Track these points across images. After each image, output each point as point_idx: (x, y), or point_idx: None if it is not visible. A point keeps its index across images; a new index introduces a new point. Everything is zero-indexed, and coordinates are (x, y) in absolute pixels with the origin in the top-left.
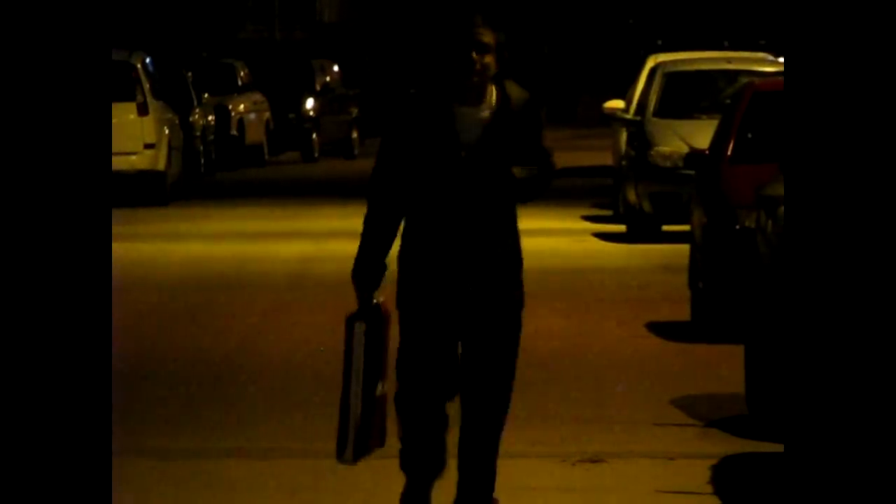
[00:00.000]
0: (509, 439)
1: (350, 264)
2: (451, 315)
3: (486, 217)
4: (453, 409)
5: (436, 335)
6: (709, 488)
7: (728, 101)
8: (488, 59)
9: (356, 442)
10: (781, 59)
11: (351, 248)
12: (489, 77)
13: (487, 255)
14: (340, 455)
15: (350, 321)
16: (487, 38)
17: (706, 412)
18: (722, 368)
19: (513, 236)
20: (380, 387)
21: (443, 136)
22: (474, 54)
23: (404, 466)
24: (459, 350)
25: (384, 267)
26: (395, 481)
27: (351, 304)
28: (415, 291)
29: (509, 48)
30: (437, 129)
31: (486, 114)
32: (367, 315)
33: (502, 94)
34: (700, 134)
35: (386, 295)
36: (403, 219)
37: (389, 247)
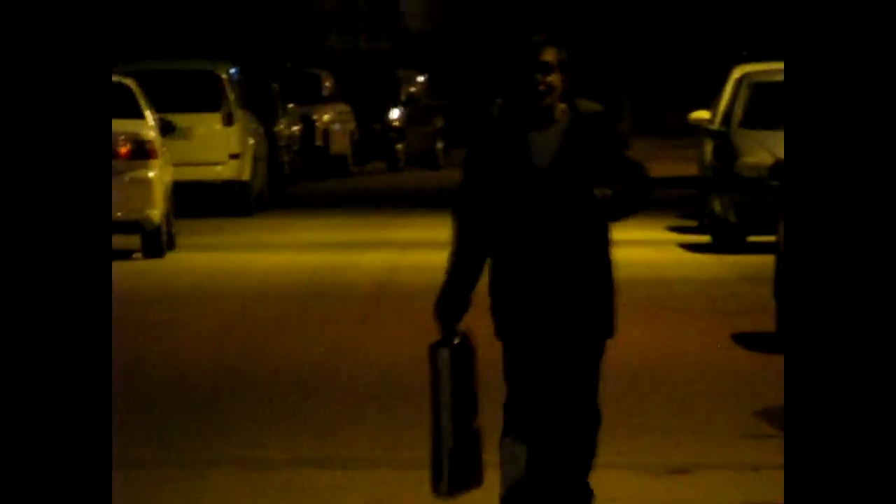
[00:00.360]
0: None
1: (435, 275)
2: (541, 335)
3: (571, 241)
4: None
5: (532, 355)
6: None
7: None
8: (552, 78)
9: (451, 474)
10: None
11: (436, 258)
12: (557, 97)
13: (577, 281)
14: (436, 488)
15: (434, 349)
16: (550, 56)
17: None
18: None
19: (603, 259)
20: (475, 420)
21: (517, 163)
22: (538, 76)
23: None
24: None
25: (468, 302)
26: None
27: (429, 322)
28: (511, 321)
29: (591, 61)
30: (511, 157)
31: (557, 135)
32: (451, 342)
33: (573, 111)
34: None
35: (467, 326)
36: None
37: (476, 280)
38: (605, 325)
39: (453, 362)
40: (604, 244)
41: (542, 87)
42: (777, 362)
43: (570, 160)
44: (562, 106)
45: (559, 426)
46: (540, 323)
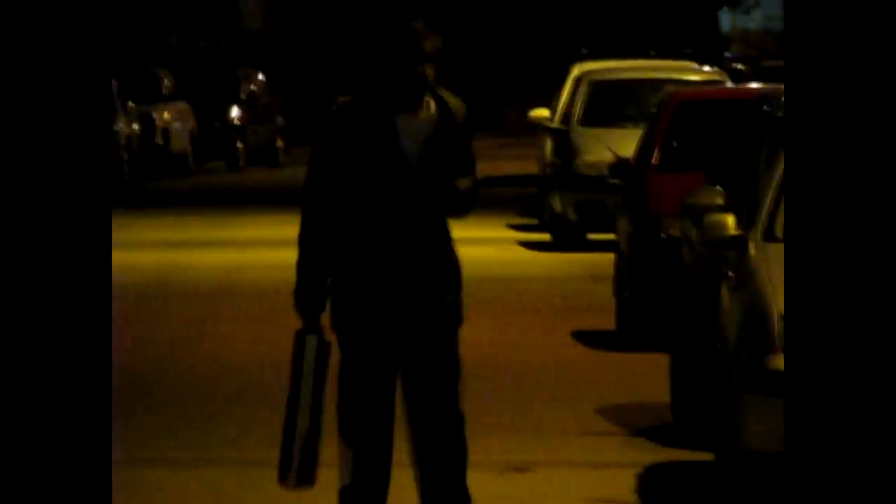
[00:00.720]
0: None
1: (275, 273)
2: (389, 336)
3: (425, 231)
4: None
5: (375, 357)
6: (635, 497)
7: (653, 109)
8: (429, 67)
9: (301, 465)
10: (706, 68)
11: (276, 256)
12: (428, 86)
13: (428, 271)
14: (283, 478)
15: (300, 335)
16: (429, 46)
17: (632, 421)
18: (647, 377)
19: (452, 250)
20: (322, 415)
21: (386, 148)
22: (417, 64)
23: (347, 499)
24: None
25: (326, 290)
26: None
27: (274, 315)
28: (351, 312)
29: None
30: (378, 141)
31: (427, 124)
32: (317, 330)
33: (440, 102)
34: (625, 143)
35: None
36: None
37: (329, 265)
38: (456, 313)
39: (318, 350)
40: (449, 233)
41: (420, 76)
42: (617, 359)
43: (438, 150)
44: (428, 96)
45: (429, 428)
46: (386, 311)
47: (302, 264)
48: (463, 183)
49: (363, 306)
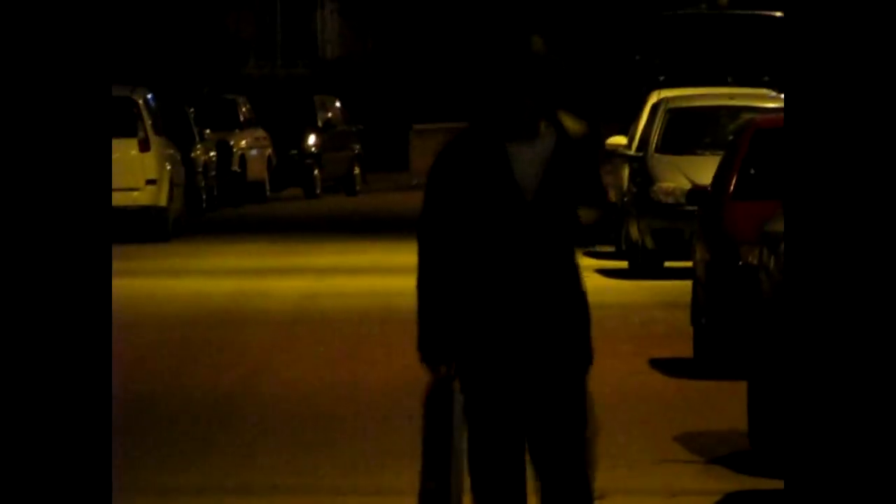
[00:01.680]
0: None
1: (350, 301)
2: (516, 383)
3: (546, 265)
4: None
5: (503, 403)
6: None
7: (731, 137)
8: (545, 90)
9: None
10: (783, 96)
11: (352, 283)
12: (543, 110)
13: (553, 307)
14: None
15: (434, 396)
16: (544, 65)
17: (709, 449)
18: (725, 405)
19: (578, 284)
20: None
21: (497, 177)
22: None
23: None
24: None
25: (452, 335)
26: None
27: (349, 341)
28: (474, 355)
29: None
30: (489, 170)
31: (543, 151)
32: (451, 384)
33: (560, 129)
34: (703, 170)
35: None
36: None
37: (451, 310)
38: (585, 352)
39: (462, 406)
40: (577, 267)
41: (532, 99)
42: (694, 387)
43: (556, 179)
44: (543, 120)
45: (555, 481)
46: (516, 357)
47: (424, 310)
48: (586, 213)
49: (487, 349)
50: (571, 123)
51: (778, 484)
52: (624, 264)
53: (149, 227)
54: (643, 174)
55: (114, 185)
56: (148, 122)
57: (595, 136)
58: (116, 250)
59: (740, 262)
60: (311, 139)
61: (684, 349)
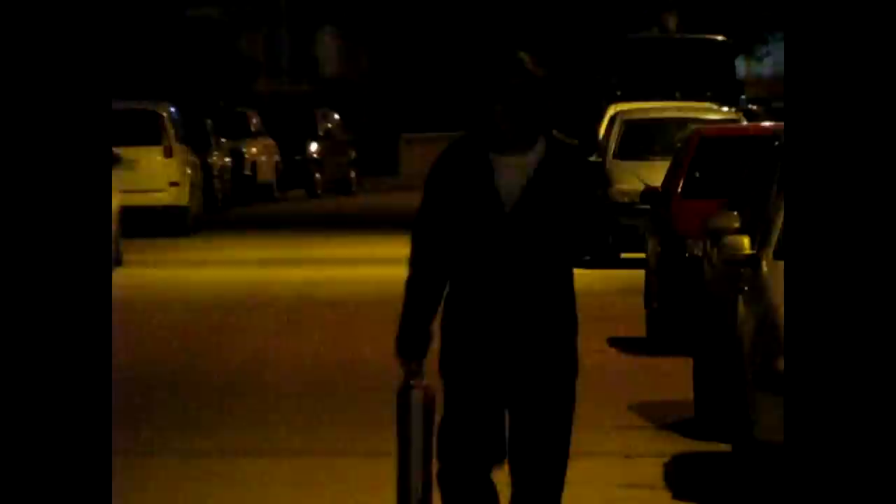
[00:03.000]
0: None
1: (348, 288)
2: (497, 383)
3: (535, 278)
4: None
5: (482, 404)
6: (662, 483)
7: (678, 144)
8: (538, 104)
9: None
10: (725, 109)
11: (350, 273)
12: (535, 124)
13: (537, 320)
14: None
15: (403, 393)
16: (534, 79)
17: (659, 416)
18: (673, 378)
19: (567, 298)
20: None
21: (479, 187)
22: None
23: None
24: (506, 418)
25: (429, 335)
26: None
27: (346, 322)
28: (459, 358)
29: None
30: (473, 180)
31: (530, 164)
32: (420, 383)
33: (551, 143)
34: (654, 173)
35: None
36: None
37: (434, 312)
38: (571, 364)
39: (425, 404)
40: (568, 280)
41: (523, 112)
42: (646, 363)
43: (542, 193)
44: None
45: (528, 471)
46: (495, 359)
47: (407, 307)
48: (578, 229)
49: (470, 353)
50: (563, 140)
51: (718, 446)
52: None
53: (172, 224)
54: (602, 177)
55: (141, 187)
56: (171, 133)
57: (582, 153)
58: (143, 243)
59: (687, 254)
60: (313, 146)
61: (638, 329)
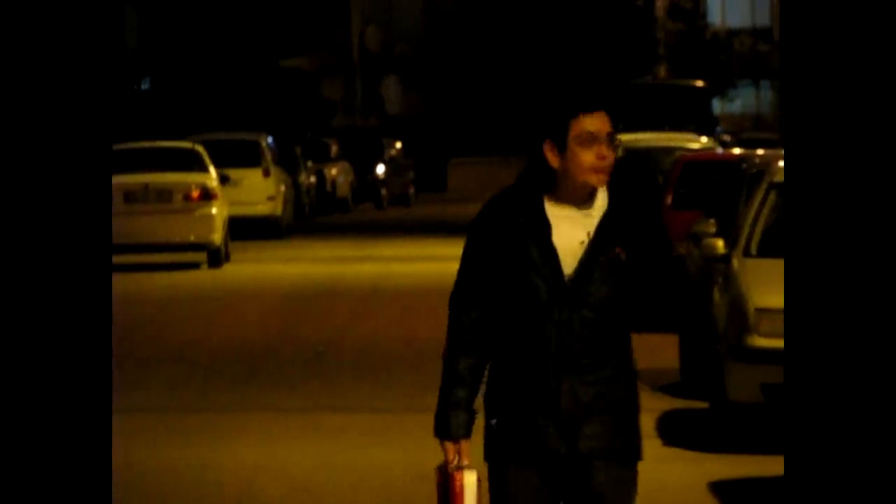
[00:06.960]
0: None
1: (410, 280)
2: (551, 472)
3: (595, 351)
4: None
5: (532, 496)
6: (654, 433)
7: (668, 167)
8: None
9: None
10: (704, 139)
11: (411, 268)
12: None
13: (596, 401)
14: None
15: (443, 483)
16: (606, 126)
17: (653, 381)
18: (664, 350)
19: (629, 373)
20: None
21: (533, 244)
22: (604, 149)
23: None
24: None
25: (470, 414)
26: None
27: (406, 308)
28: (506, 442)
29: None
30: (525, 234)
31: (591, 217)
32: (462, 465)
33: (616, 191)
34: None
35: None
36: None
37: (476, 389)
38: (634, 451)
39: (468, 493)
40: (628, 348)
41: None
42: (642, 338)
43: (601, 248)
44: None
45: None
46: (553, 450)
47: (445, 386)
48: (645, 291)
49: (521, 435)
50: (629, 188)
51: (700, 404)
52: None
53: (268, 230)
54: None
55: (245, 201)
56: (268, 157)
57: (652, 199)
58: (246, 245)
59: (674, 253)
60: (380, 168)
61: None
